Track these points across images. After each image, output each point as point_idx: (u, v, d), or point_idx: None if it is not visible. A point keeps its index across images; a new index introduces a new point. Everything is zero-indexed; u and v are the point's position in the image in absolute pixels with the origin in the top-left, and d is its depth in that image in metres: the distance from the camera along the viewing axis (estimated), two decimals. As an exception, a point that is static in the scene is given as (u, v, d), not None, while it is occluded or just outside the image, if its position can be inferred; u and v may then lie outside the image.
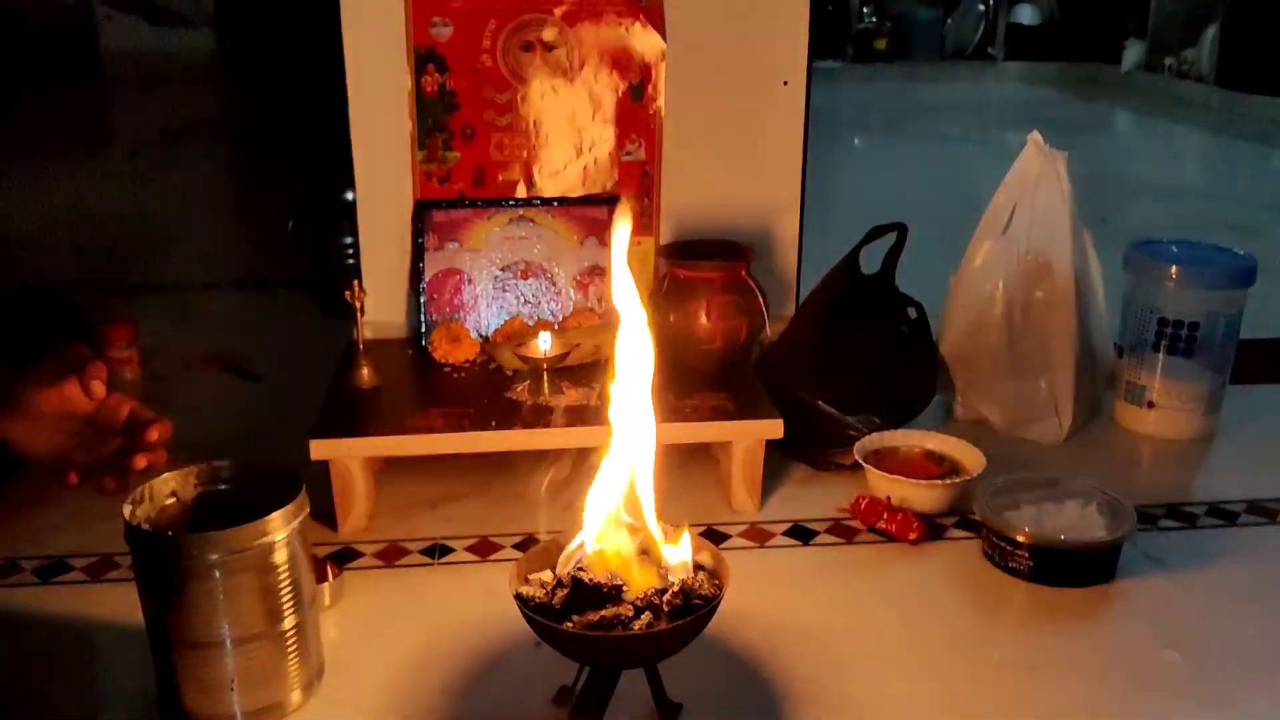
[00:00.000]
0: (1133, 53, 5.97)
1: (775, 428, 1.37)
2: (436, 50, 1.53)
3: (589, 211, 1.59)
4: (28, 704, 1.04)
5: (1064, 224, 1.56)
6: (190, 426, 1.56)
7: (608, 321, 1.54)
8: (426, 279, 1.56)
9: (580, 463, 1.05)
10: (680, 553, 0.97)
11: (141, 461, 0.91)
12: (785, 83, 1.61)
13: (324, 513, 1.33)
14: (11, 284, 2.05)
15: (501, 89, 1.55)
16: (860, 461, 1.42)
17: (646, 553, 0.98)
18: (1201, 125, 4.94)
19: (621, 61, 1.55)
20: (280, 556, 0.97)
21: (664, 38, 1.55)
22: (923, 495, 1.37)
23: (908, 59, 6.68)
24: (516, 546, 1.32)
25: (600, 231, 1.59)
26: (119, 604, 1.17)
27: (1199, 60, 5.51)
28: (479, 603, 1.20)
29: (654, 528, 0.97)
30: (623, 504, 0.97)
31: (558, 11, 1.52)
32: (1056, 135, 1.62)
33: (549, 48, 1.54)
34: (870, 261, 1.60)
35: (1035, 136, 1.58)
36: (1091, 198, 1.71)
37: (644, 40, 1.55)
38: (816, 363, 1.54)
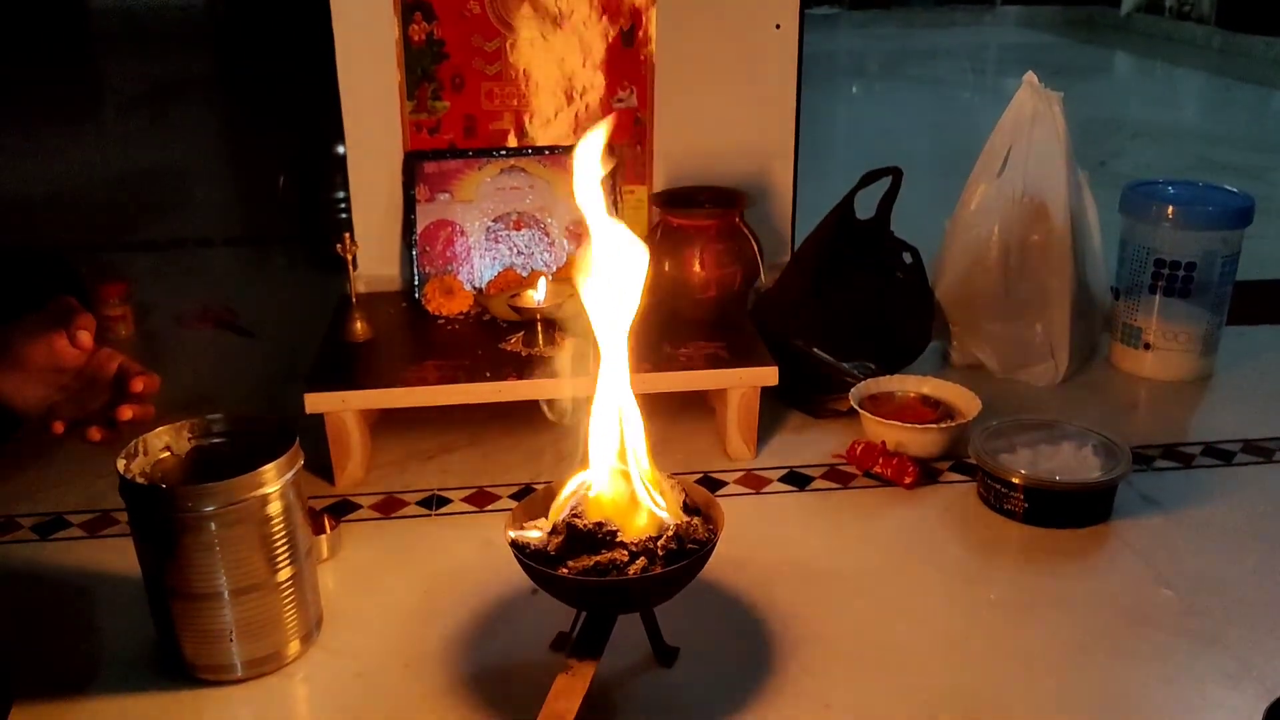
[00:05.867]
0: (1132, -7, 5.90)
1: (770, 375, 1.37)
2: (423, -2, 1.51)
3: (581, 160, 1.57)
4: (29, 658, 1.04)
5: (1060, 165, 1.55)
6: (185, 383, 1.57)
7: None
8: (418, 231, 1.55)
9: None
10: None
11: (127, 413, 0.91)
12: (778, 26, 1.59)
13: (320, 466, 1.33)
14: (3, 242, 2.03)
15: (490, 36, 1.53)
16: (856, 407, 1.42)
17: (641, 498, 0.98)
18: (1201, 67, 4.89)
19: (612, 6, 1.53)
20: (275, 507, 0.97)
21: (654, -19, 1.53)
22: (918, 439, 1.37)
23: (906, 4, 6.59)
24: (513, 497, 1.32)
25: (593, 180, 1.57)
26: (117, 559, 1.18)
27: (1199, 1, 5.45)
28: (476, 552, 1.20)
29: (646, 474, 0.97)
30: (616, 450, 0.97)
31: (545, -44, 1.50)
32: (1055, 79, 1.60)
33: (537, -7, 1.51)
34: (866, 207, 1.59)
35: (1030, 77, 1.56)
36: (1090, 141, 1.70)
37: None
38: (812, 309, 1.53)
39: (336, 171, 1.93)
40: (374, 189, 1.58)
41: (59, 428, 0.91)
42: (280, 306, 1.93)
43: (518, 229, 1.57)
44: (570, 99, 1.56)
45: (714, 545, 0.95)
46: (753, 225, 1.52)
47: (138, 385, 0.91)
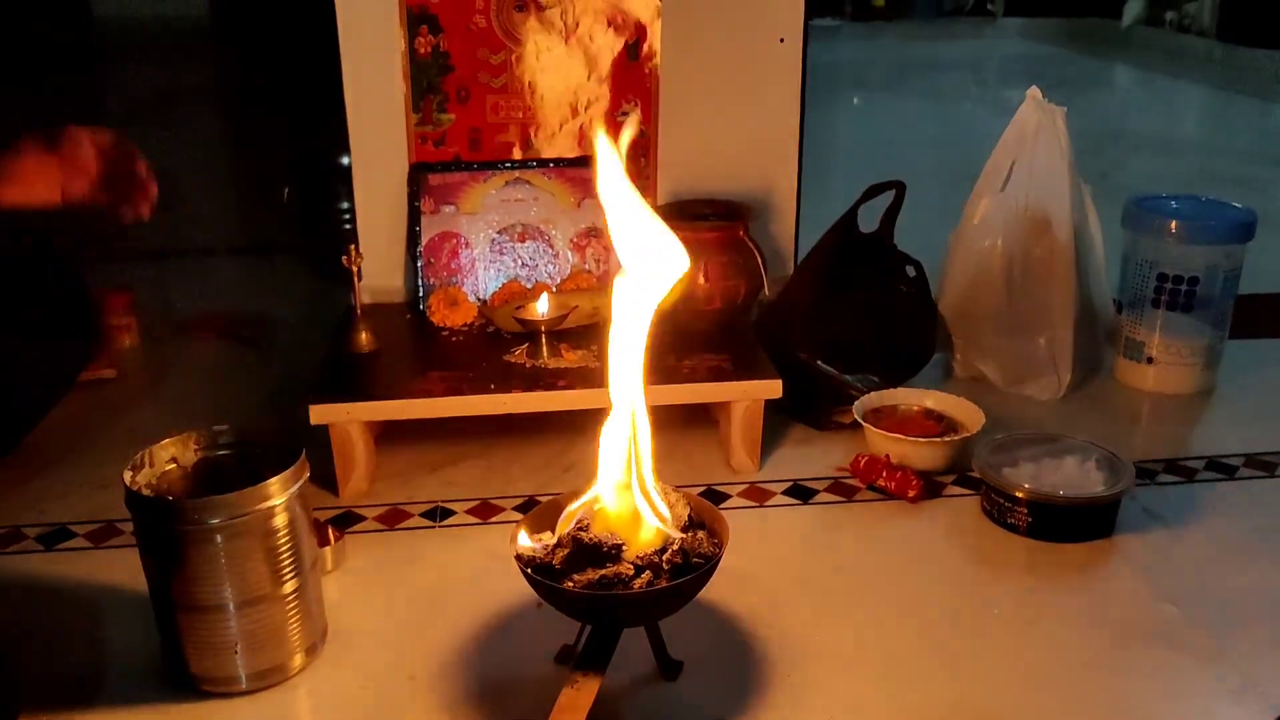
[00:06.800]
0: (1133, 7, 5.91)
1: (774, 388, 1.37)
2: (429, 10, 1.51)
3: (586, 173, 1.58)
4: (34, 670, 1.04)
5: (1063, 179, 1.55)
6: (189, 392, 1.58)
7: (606, 283, 1.54)
8: (423, 243, 1.55)
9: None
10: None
11: (129, 216, 0.98)
12: (782, 39, 1.60)
13: (325, 477, 1.33)
14: (10, 250, 2.04)
15: (496, 50, 1.54)
16: (859, 420, 1.42)
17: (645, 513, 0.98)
18: (1202, 80, 4.90)
19: (617, 20, 1.54)
20: (281, 520, 0.97)
21: (659, -5, 1.54)
22: (922, 453, 1.37)
23: (906, 16, 6.62)
24: (518, 509, 1.32)
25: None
26: (122, 570, 1.18)
27: (1200, 14, 5.47)
28: (481, 564, 1.20)
29: (650, 488, 0.97)
30: (622, 465, 0.97)
31: (551, -30, 1.51)
32: (1056, 91, 1.61)
33: (543, 7, 1.52)
34: (869, 220, 1.59)
35: (1034, 92, 1.57)
36: (1092, 154, 1.70)
37: (639, -2, 1.53)
38: (815, 322, 1.54)
39: (341, 182, 1.94)
40: (379, 200, 1.59)
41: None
42: (285, 316, 1.94)
43: (522, 241, 1.57)
44: (575, 112, 1.57)
45: (719, 560, 0.95)
46: (757, 238, 1.53)
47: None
